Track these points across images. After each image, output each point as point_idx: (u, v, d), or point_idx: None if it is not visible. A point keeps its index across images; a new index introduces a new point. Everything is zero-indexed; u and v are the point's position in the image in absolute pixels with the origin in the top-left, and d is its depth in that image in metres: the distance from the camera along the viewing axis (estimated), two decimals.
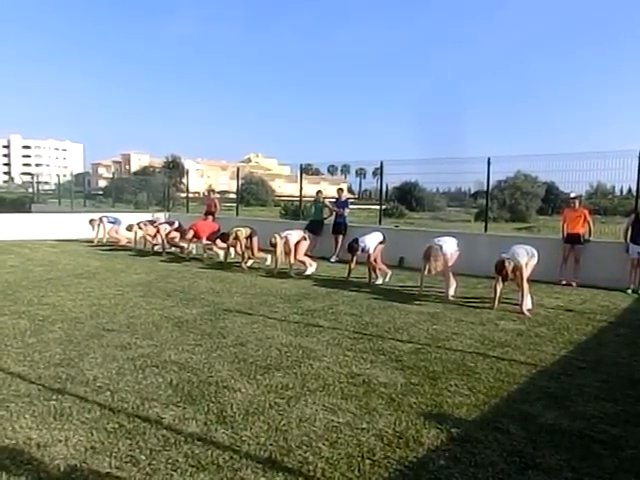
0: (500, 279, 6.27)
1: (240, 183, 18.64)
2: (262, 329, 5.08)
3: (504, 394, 3.56)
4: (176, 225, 11.60)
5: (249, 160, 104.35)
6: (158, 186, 25.69)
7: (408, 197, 34.32)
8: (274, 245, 8.65)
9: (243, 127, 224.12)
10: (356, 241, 7.98)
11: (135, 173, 57.84)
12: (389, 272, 8.27)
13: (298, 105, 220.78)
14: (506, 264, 6.12)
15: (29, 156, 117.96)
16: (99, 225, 13.10)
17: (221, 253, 10.37)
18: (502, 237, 10.14)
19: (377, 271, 8.09)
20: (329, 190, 13.64)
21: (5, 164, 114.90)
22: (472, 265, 8.47)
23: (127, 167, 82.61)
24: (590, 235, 8.62)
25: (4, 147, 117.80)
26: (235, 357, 4.19)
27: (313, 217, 11.50)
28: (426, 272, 7.05)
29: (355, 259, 8.16)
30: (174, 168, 51.64)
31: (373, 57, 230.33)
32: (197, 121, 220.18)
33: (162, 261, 10.26)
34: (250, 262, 9.53)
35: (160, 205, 20.47)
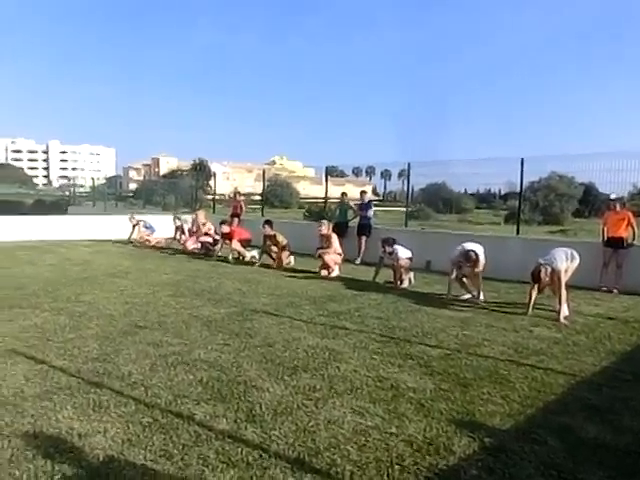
0: (536, 286, 6.12)
1: (265, 185, 18.81)
2: (289, 330, 5.12)
3: (540, 404, 3.46)
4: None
5: (274, 162, 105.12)
6: (186, 188, 26.14)
7: (434, 199, 33.97)
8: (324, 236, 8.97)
9: (268, 130, 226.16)
10: (394, 241, 8.00)
11: (164, 176, 58.97)
12: (411, 273, 8.22)
13: (321, 108, 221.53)
14: (542, 272, 5.94)
15: (66, 160, 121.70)
16: (135, 227, 13.50)
17: (248, 254, 10.50)
18: (535, 240, 9.91)
19: (403, 275, 8.05)
20: (353, 192, 13.64)
21: (44, 168, 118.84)
22: (503, 269, 8.33)
23: (156, 170, 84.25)
24: (634, 239, 8.16)
25: (43, 152, 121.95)
26: (263, 357, 4.23)
27: (338, 219, 11.51)
28: (453, 276, 7.00)
29: (382, 260, 8.15)
30: (201, 171, 52.45)
31: (389, 60, 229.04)
32: (223, 125, 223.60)
33: (189, 262, 10.44)
34: (286, 262, 9.73)
35: (188, 207, 20.79)
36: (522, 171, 9.62)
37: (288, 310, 6.03)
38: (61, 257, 10.60)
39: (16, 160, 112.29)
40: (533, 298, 6.19)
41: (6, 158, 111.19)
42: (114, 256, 11.07)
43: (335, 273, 8.89)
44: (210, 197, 22.12)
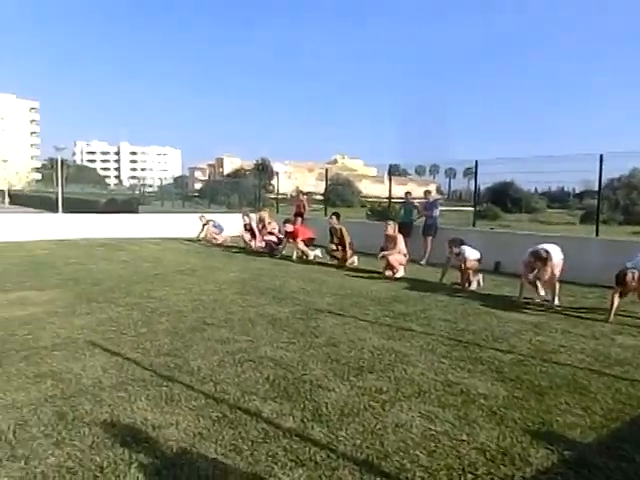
0: (619, 291, 5.72)
1: (327, 184, 18.93)
2: (354, 331, 5.11)
3: (626, 418, 3.23)
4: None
5: (335, 161, 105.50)
6: (249, 188, 26.85)
7: (503, 198, 32.74)
8: (390, 237, 8.88)
9: (330, 129, 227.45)
10: (462, 241, 7.79)
11: (228, 175, 60.92)
12: (480, 275, 7.94)
13: (385, 106, 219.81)
14: (629, 276, 5.55)
15: (135, 161, 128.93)
16: (205, 226, 14.04)
17: (311, 253, 10.60)
18: (618, 242, 9.28)
19: (471, 276, 7.81)
20: (417, 191, 13.41)
21: (116, 169, 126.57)
22: (580, 272, 7.85)
23: (220, 170, 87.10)
24: None
25: (115, 154, 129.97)
26: (328, 357, 4.25)
27: (403, 219, 11.34)
28: (526, 278, 6.69)
29: (449, 261, 7.96)
30: (263, 170, 53.66)
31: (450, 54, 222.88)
32: (285, 125, 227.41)
33: (254, 260, 10.69)
34: (350, 261, 9.75)
35: (251, 206, 21.33)
36: (601, 168, 9.10)
37: (353, 310, 6.02)
38: (133, 254, 11.22)
39: (90, 161, 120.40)
40: (616, 304, 5.79)
41: (81, 160, 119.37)
42: (182, 254, 11.57)
43: (400, 274, 8.77)
44: (272, 196, 22.59)
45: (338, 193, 42.23)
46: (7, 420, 2.95)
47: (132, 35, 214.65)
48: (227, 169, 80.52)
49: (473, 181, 12.28)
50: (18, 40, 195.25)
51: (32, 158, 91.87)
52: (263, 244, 12.08)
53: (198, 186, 54.91)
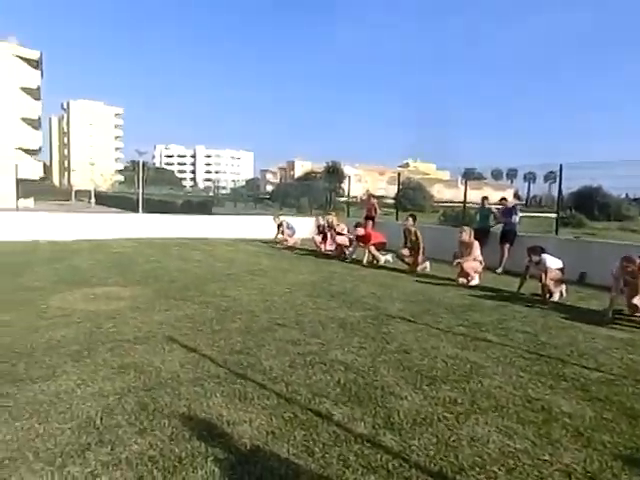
0: None
1: (399, 188, 18.73)
2: (426, 338, 5.01)
3: None
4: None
5: (407, 165, 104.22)
6: (319, 191, 27.13)
7: (589, 204, 30.73)
8: (464, 243, 8.72)
9: (401, 133, 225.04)
10: (542, 249, 7.43)
11: (298, 178, 61.90)
12: (563, 286, 7.50)
13: (459, 109, 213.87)
14: None
15: (210, 164, 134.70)
16: (279, 227, 14.40)
17: (382, 258, 10.54)
18: None
19: (552, 287, 7.40)
20: (493, 196, 12.91)
21: (191, 171, 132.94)
22: None
23: (291, 173, 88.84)
24: None
25: (191, 157, 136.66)
26: (400, 364, 4.20)
27: (479, 225, 10.98)
28: (616, 292, 6.24)
29: (528, 270, 7.59)
30: (334, 173, 53.99)
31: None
32: (355, 128, 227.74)
33: (324, 263, 10.79)
34: (421, 267, 9.62)
35: (321, 209, 21.56)
36: None
37: (425, 317, 5.91)
38: (206, 254, 11.71)
39: (168, 164, 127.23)
40: None
41: (160, 162, 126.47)
42: (254, 255, 11.92)
43: (475, 282, 8.50)
44: (343, 199, 22.69)
45: (409, 197, 41.57)
46: (95, 407, 3.18)
47: (207, 45, 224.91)
48: (298, 172, 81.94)
49: (555, 186, 11.67)
50: (107, 50, 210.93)
51: (116, 161, 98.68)
52: (333, 247, 12.17)
53: (269, 188, 56.35)
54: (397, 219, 15.75)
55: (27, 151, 48.66)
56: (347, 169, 61.40)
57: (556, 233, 11.02)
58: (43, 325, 5.05)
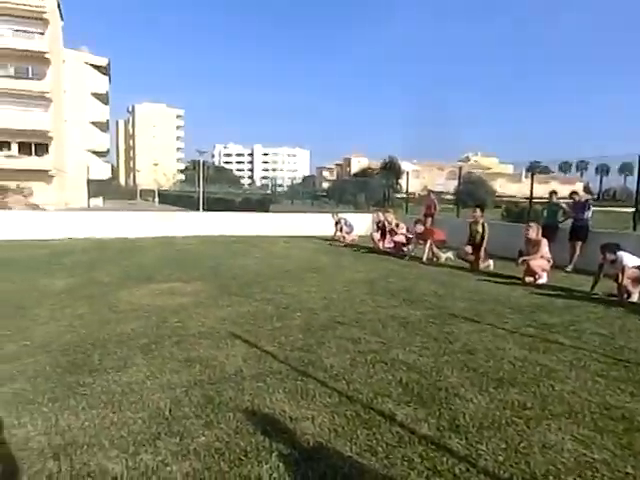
0: None
1: (460, 183, 18.25)
2: (491, 339, 4.85)
3: None
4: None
5: (467, 159, 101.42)
6: (376, 187, 26.93)
7: None
8: (531, 240, 8.38)
9: (460, 126, 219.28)
10: (618, 247, 7.02)
11: (355, 175, 61.73)
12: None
13: (521, 101, 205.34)
14: None
15: (267, 162, 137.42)
16: (337, 224, 14.47)
17: (443, 255, 10.33)
18: None
19: (630, 287, 6.95)
20: (561, 190, 12.26)
21: (249, 170, 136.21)
22: None
23: (348, 169, 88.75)
24: None
25: (249, 155, 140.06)
26: (464, 365, 4.09)
27: (546, 221, 10.49)
28: None
29: (602, 269, 7.19)
30: (391, 169, 53.38)
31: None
32: (413, 123, 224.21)
33: (382, 261, 10.71)
34: (484, 265, 9.36)
35: (378, 206, 21.39)
36: None
37: (489, 317, 5.72)
38: (265, 251, 11.93)
39: (226, 163, 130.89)
40: None
41: (219, 161, 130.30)
42: (311, 252, 12.02)
43: (542, 280, 8.14)
44: (400, 196, 22.41)
45: (470, 192, 40.26)
46: (164, 399, 3.32)
47: (257, 45, 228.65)
48: (354, 169, 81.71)
49: (634, 178, 10.91)
50: (172, 54, 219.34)
51: (177, 161, 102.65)
52: (391, 244, 12.05)
53: (325, 186, 56.59)
54: (458, 215, 15.36)
55: (96, 153, 51.61)
56: (404, 165, 60.51)
57: (634, 229, 10.33)
58: (114, 318, 5.33)
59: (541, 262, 8.19)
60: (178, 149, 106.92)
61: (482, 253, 9.49)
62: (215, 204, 31.54)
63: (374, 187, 27.28)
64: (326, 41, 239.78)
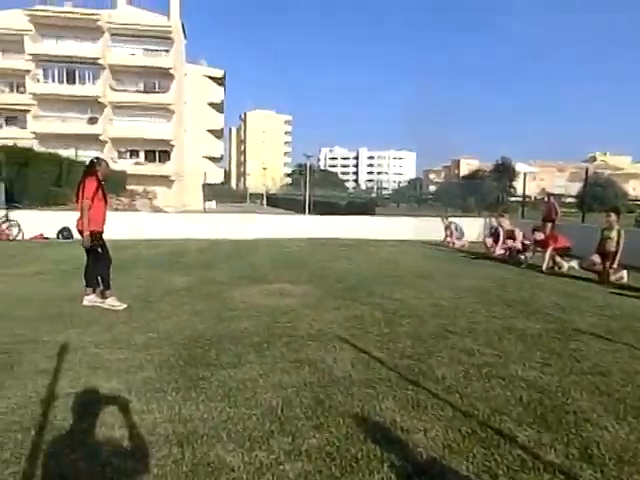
0: None
1: (585, 185, 16.81)
2: (628, 360, 4.36)
3: None
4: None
5: (593, 159, 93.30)
6: (488, 190, 25.72)
7: None
8: None
9: (585, 124, 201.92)
10: None
11: (464, 177, 59.58)
12: None
13: None
14: None
15: (372, 165, 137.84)
16: (447, 229, 14.10)
17: (566, 265, 9.55)
18: None
19: None
20: None
21: (354, 173, 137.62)
22: None
23: (456, 172, 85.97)
24: None
25: (354, 159, 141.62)
26: (595, 388, 3.72)
27: None
28: None
29: None
30: (504, 171, 50.70)
31: None
32: (529, 122, 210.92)
33: (496, 268, 10.16)
34: (616, 277, 8.55)
35: (490, 210, 20.39)
36: None
37: (625, 335, 5.16)
38: (371, 255, 11.91)
39: (332, 166, 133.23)
40: None
41: (325, 165, 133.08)
42: (418, 257, 11.78)
43: None
44: (514, 199, 21.19)
45: (597, 195, 36.99)
46: (276, 397, 3.42)
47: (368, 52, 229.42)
48: (463, 171, 78.94)
49: None
50: (283, 61, 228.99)
51: (285, 165, 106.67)
52: (504, 251, 11.41)
53: (432, 189, 55.30)
54: (583, 221, 14.14)
55: (211, 159, 55.45)
56: (520, 166, 57.12)
57: None
58: (228, 316, 5.63)
59: None
60: (285, 153, 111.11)
61: (615, 263, 8.61)
62: (321, 207, 32.16)
63: (486, 190, 26.05)
64: (444, 46, 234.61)
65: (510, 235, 11.25)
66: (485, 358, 4.34)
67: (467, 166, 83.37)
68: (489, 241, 11.92)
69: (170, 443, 2.78)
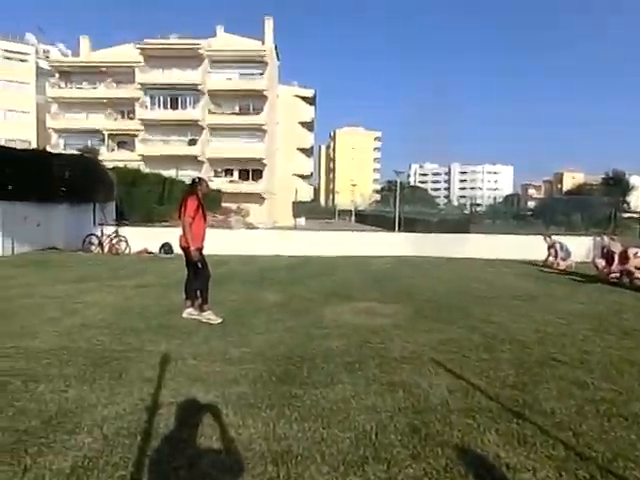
0: None
1: None
2: None
3: None
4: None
5: None
6: (596, 206, 23.85)
7: None
8: None
9: None
10: None
11: (567, 192, 55.91)
12: None
13: None
14: None
15: (465, 180, 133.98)
16: (550, 248, 13.25)
17: None
18: None
19: None
20: None
21: (445, 189, 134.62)
22: None
23: (559, 186, 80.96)
24: None
25: (445, 174, 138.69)
26: None
27: None
28: None
29: None
30: (615, 185, 46.87)
31: None
32: None
33: (609, 292, 9.33)
34: None
35: (598, 227, 18.87)
36: None
37: None
38: (464, 274, 11.46)
39: (422, 182, 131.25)
40: None
41: (414, 181, 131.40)
42: (518, 277, 11.15)
43: None
44: (628, 215, 19.47)
45: None
46: (370, 421, 3.34)
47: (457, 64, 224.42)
48: (567, 185, 74.18)
49: None
50: (372, 76, 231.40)
51: (374, 182, 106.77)
52: (618, 274, 10.45)
53: (531, 204, 52.44)
54: None
55: (301, 176, 56.97)
56: (635, 179, 52.52)
57: None
58: (319, 334, 5.65)
59: None
60: (375, 170, 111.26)
61: None
62: (410, 224, 31.69)
63: (594, 206, 24.15)
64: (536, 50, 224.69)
65: (626, 256, 10.30)
66: (602, 393, 3.95)
67: (571, 180, 78.22)
68: (601, 262, 10.99)
69: (265, 460, 2.80)
